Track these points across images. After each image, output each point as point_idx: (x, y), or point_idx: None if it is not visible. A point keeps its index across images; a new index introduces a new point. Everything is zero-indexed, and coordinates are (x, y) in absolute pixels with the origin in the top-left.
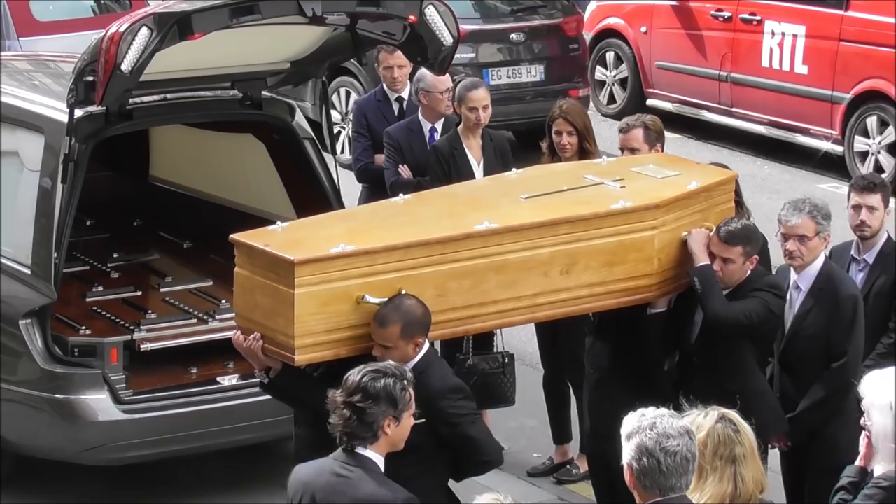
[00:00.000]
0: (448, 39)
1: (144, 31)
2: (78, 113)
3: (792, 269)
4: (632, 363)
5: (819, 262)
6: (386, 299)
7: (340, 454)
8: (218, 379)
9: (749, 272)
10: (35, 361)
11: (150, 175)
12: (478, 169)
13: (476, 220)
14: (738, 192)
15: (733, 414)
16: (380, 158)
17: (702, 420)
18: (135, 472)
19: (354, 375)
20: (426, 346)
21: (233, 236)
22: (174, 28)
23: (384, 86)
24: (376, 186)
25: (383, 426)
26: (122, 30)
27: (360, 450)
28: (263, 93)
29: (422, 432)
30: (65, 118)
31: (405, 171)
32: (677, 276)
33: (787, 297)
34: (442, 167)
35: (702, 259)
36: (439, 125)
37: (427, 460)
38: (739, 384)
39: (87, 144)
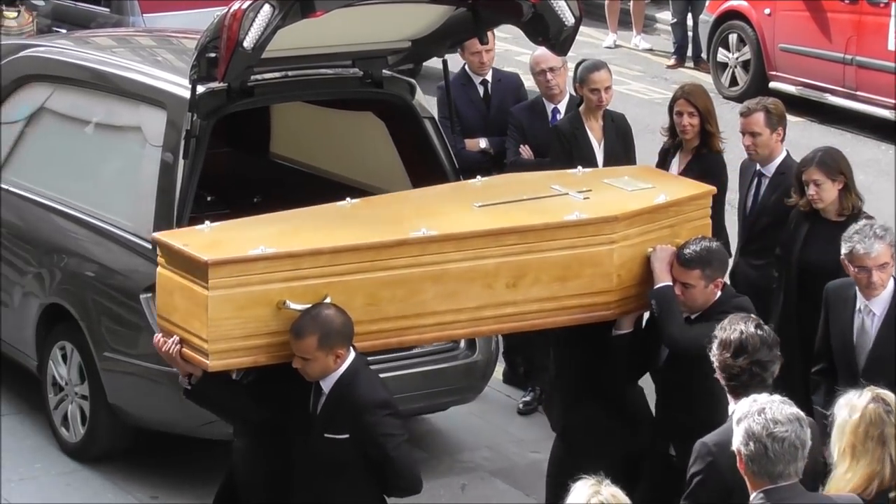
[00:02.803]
0: (570, 19)
1: (267, 9)
2: (200, 89)
3: (858, 293)
4: (601, 383)
5: (891, 285)
6: (309, 306)
7: None
8: None
9: (718, 294)
10: (155, 335)
11: (270, 152)
12: (598, 150)
13: (416, 226)
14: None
15: (889, 394)
16: (471, 143)
17: (856, 401)
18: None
19: (747, 332)
20: (351, 356)
21: (154, 235)
22: (296, 5)
23: (467, 68)
24: (465, 172)
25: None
26: (244, 7)
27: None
28: (384, 71)
29: (347, 450)
30: (187, 94)
31: (526, 151)
32: (640, 295)
33: (858, 321)
34: (563, 147)
35: (663, 279)
36: (562, 106)
37: (356, 480)
38: (707, 408)
39: (208, 120)
